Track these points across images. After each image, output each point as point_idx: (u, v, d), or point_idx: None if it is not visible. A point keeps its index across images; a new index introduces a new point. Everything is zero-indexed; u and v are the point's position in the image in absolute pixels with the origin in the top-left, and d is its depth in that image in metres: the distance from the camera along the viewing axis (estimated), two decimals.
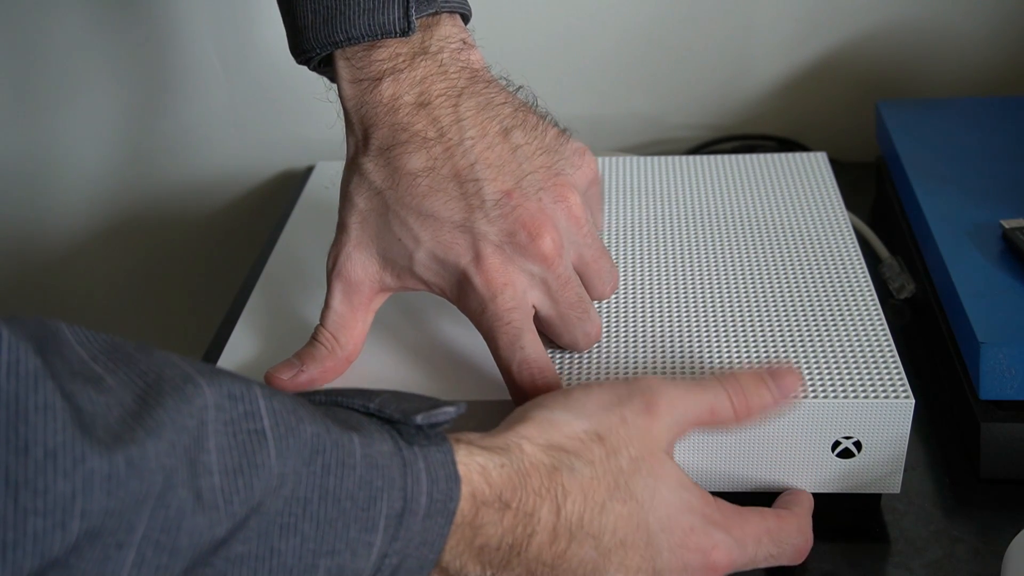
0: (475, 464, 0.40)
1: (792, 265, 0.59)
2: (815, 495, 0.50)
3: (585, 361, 0.53)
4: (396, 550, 0.37)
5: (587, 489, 0.42)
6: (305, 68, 0.53)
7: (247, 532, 0.34)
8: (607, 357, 0.53)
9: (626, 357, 0.53)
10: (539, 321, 0.51)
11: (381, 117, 0.49)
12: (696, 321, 0.55)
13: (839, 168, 0.72)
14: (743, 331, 0.54)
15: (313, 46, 0.50)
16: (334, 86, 0.54)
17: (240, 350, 0.56)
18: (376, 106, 0.49)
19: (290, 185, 0.92)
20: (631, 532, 0.42)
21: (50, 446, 0.29)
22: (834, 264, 0.59)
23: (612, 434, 0.43)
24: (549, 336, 0.52)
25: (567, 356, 0.53)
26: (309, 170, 0.79)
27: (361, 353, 0.53)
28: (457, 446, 0.40)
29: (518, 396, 0.49)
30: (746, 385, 0.46)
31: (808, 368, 0.51)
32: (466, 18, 0.52)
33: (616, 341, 0.54)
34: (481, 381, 0.53)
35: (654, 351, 0.53)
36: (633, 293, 0.57)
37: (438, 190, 0.49)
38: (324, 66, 0.52)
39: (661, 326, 0.55)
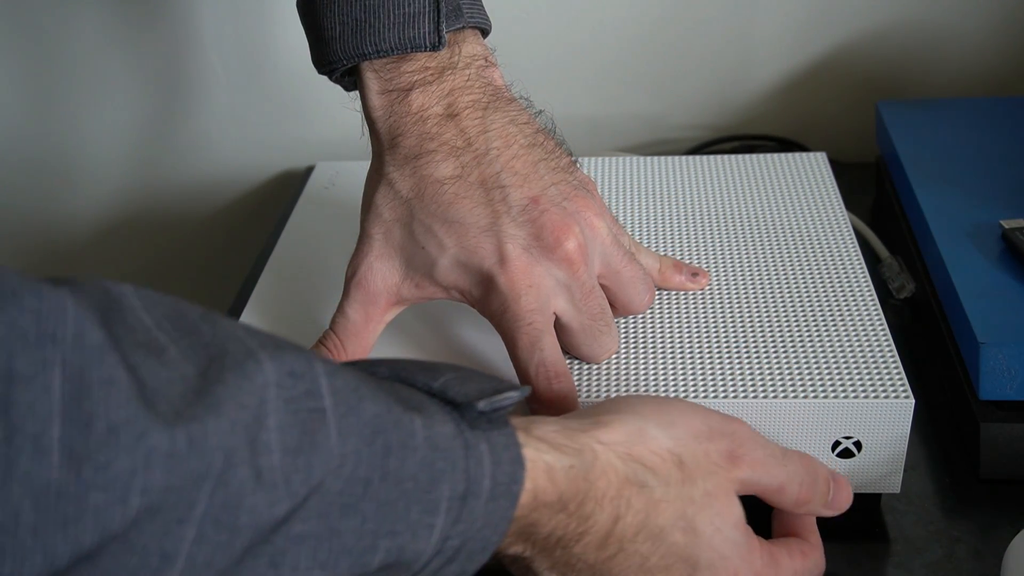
0: (542, 463, 0.39)
1: (792, 265, 0.59)
2: None
3: (588, 367, 0.53)
4: (458, 532, 0.37)
5: (652, 509, 0.42)
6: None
7: (307, 512, 0.34)
8: (610, 357, 0.53)
9: (627, 357, 0.53)
10: (559, 330, 0.51)
11: (409, 127, 0.50)
12: (697, 320, 0.55)
13: (839, 168, 0.72)
14: (743, 331, 0.54)
15: (340, 57, 0.50)
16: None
17: None
18: (404, 116, 0.50)
19: (290, 185, 0.92)
20: (678, 562, 0.42)
21: (113, 421, 0.29)
22: (834, 264, 0.59)
23: (693, 463, 0.43)
24: (567, 346, 0.52)
25: (575, 363, 0.53)
26: (309, 170, 0.79)
27: (376, 354, 0.53)
28: (527, 440, 0.40)
29: (532, 399, 0.49)
30: (816, 481, 0.46)
31: (808, 368, 0.51)
32: (485, 32, 0.53)
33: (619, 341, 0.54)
34: None
35: (655, 351, 0.53)
36: None
37: (464, 197, 0.49)
38: (345, 77, 0.53)
39: (662, 326, 0.55)
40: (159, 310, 0.33)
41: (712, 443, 0.44)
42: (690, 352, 0.53)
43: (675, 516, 0.42)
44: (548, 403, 0.48)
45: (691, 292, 0.57)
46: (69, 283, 0.31)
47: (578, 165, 0.54)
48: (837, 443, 0.49)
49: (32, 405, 0.28)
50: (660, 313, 0.56)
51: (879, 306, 0.55)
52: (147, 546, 0.30)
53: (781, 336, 0.53)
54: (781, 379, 0.50)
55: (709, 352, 0.52)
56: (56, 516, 0.28)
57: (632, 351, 0.53)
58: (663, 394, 0.50)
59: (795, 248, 0.61)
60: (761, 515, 0.48)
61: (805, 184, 0.68)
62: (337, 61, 0.50)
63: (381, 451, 0.35)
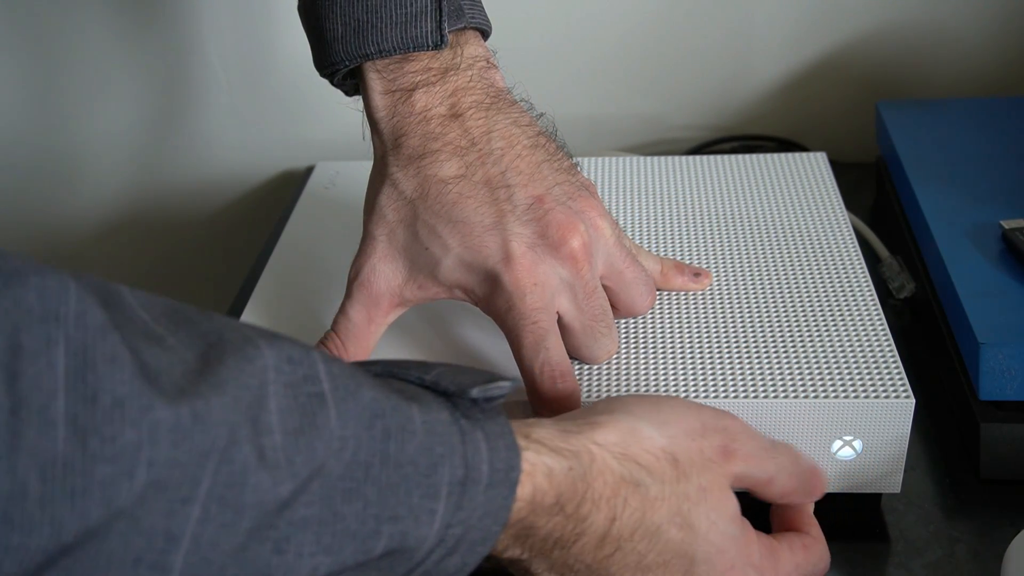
0: (542, 465, 0.40)
1: (792, 265, 0.59)
2: None
3: (588, 367, 0.53)
4: (460, 520, 0.37)
5: (648, 507, 0.42)
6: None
7: (310, 495, 0.34)
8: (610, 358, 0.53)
9: (627, 357, 0.53)
10: (560, 330, 0.51)
11: (413, 127, 0.50)
12: (697, 321, 0.55)
13: (839, 168, 0.72)
14: (743, 331, 0.54)
15: (342, 58, 0.50)
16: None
17: None
18: (407, 116, 0.50)
19: (290, 185, 0.92)
20: (675, 557, 0.42)
21: (118, 395, 0.29)
22: (834, 264, 0.59)
23: (687, 460, 0.43)
24: (567, 347, 0.51)
25: (574, 364, 0.53)
26: (309, 170, 0.79)
27: (377, 354, 0.54)
28: (527, 443, 0.40)
29: (536, 398, 0.49)
30: (802, 471, 0.47)
31: (808, 368, 0.51)
32: (486, 34, 0.54)
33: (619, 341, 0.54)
34: None
35: (655, 351, 0.53)
36: None
37: (468, 196, 0.49)
38: (347, 78, 0.53)
39: (662, 326, 0.55)
40: (156, 308, 0.34)
41: (706, 439, 0.44)
42: (690, 352, 0.53)
43: (671, 513, 0.42)
44: (552, 403, 0.48)
45: (691, 292, 0.57)
46: (70, 271, 0.31)
47: (578, 167, 0.54)
48: (837, 443, 0.49)
49: (38, 379, 0.28)
50: (660, 313, 0.56)
51: (879, 306, 0.55)
52: (153, 525, 0.30)
53: (781, 336, 0.53)
54: (781, 379, 0.50)
55: (709, 352, 0.52)
56: (63, 488, 0.28)
57: (632, 351, 0.53)
58: (663, 394, 0.50)
59: (795, 248, 0.61)
60: (761, 511, 0.48)
61: (805, 184, 0.68)
62: (340, 62, 0.50)
63: (380, 435, 0.36)
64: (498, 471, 0.38)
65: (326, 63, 0.51)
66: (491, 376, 0.40)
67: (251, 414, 0.32)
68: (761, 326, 0.54)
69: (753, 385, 0.50)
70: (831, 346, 0.52)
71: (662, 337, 0.54)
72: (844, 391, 0.49)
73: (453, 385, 0.39)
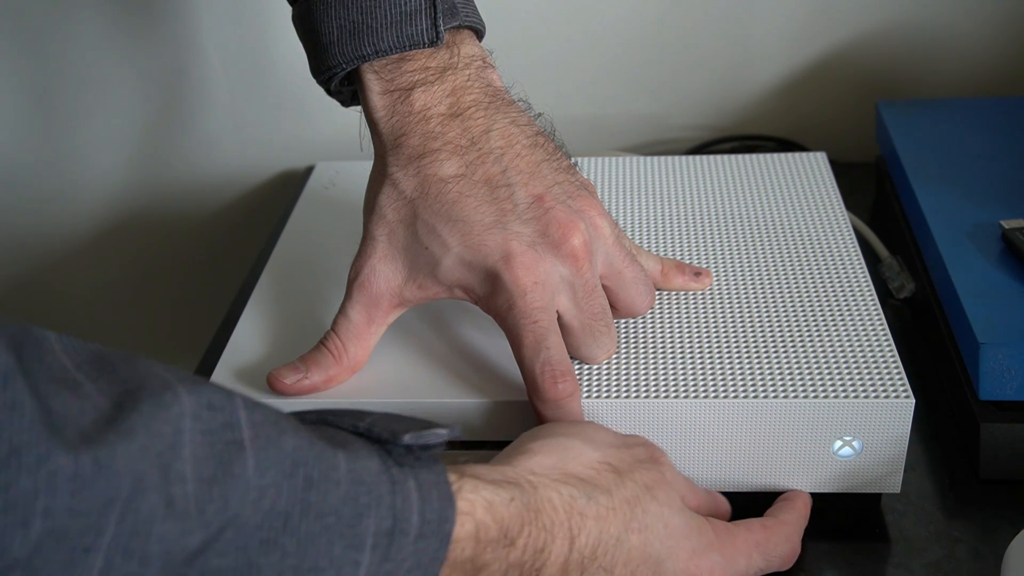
0: (481, 499, 0.39)
1: (792, 265, 0.59)
2: (815, 495, 0.51)
3: (588, 367, 0.53)
4: (386, 572, 0.36)
5: (603, 520, 0.42)
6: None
7: (223, 545, 0.33)
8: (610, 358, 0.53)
9: (627, 357, 0.53)
10: (559, 329, 0.51)
11: (412, 127, 0.50)
12: (697, 321, 0.55)
13: (839, 168, 0.72)
14: (743, 331, 0.54)
15: (339, 61, 0.50)
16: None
17: (241, 350, 0.56)
18: (407, 116, 0.50)
19: (290, 185, 0.92)
20: (641, 564, 0.43)
21: (15, 443, 0.29)
22: (834, 264, 0.59)
23: (624, 465, 0.44)
24: (566, 346, 0.52)
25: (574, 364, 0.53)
26: (309, 170, 0.79)
27: (377, 354, 0.54)
28: (462, 480, 0.39)
29: (537, 398, 0.49)
30: (697, 488, 0.48)
31: (808, 368, 0.51)
32: (480, 34, 0.54)
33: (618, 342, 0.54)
34: (495, 382, 0.52)
35: (655, 351, 0.53)
36: None
37: (468, 195, 0.49)
38: (344, 84, 0.53)
39: (662, 326, 0.55)
40: (80, 355, 0.33)
41: (631, 449, 0.46)
42: (690, 352, 0.53)
43: (625, 520, 0.43)
44: (552, 403, 0.48)
45: (691, 292, 0.57)
46: None
47: (577, 167, 0.54)
48: (837, 443, 0.49)
49: None
50: (660, 313, 0.56)
51: (879, 306, 0.55)
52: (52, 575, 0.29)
53: (781, 336, 0.53)
54: (781, 379, 0.50)
55: (709, 352, 0.52)
56: None
57: (632, 351, 0.53)
58: (663, 394, 0.50)
59: (795, 248, 0.61)
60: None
61: (805, 184, 0.68)
62: (337, 65, 0.50)
63: (302, 484, 0.35)
64: (429, 522, 0.37)
65: (323, 68, 0.51)
66: (427, 423, 0.40)
67: (162, 462, 0.32)
68: (761, 326, 0.54)
69: (753, 385, 0.50)
70: (831, 346, 0.52)
71: (662, 337, 0.54)
72: (844, 391, 0.49)
73: (387, 432, 0.38)
